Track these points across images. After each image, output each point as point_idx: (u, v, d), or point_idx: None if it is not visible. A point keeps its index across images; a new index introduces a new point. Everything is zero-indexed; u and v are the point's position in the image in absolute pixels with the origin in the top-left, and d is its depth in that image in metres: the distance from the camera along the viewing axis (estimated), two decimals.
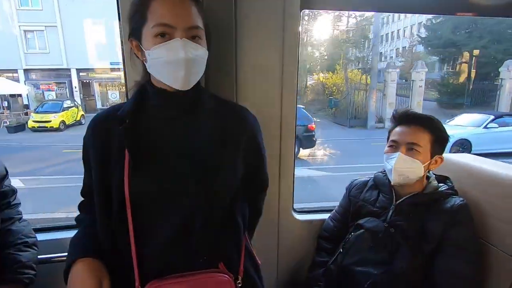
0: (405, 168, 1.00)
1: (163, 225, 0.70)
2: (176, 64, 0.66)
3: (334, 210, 1.26)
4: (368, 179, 1.20)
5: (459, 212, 0.98)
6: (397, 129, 1.06)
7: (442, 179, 1.11)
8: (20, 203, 0.97)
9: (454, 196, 1.04)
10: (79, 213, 0.82)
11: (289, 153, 1.20)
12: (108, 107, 0.79)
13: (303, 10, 1.13)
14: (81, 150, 0.76)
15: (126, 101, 0.78)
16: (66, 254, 1.04)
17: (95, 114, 0.77)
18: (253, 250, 0.89)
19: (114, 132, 0.70)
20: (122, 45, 0.99)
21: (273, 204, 1.21)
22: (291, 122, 1.17)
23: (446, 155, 1.11)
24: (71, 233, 1.11)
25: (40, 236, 1.02)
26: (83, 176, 0.79)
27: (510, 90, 11.03)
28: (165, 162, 0.70)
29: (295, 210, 1.30)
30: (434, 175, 1.11)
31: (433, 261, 0.98)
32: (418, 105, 10.96)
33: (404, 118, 1.05)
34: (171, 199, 0.70)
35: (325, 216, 1.30)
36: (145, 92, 0.75)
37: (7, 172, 0.93)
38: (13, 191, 0.95)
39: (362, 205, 1.14)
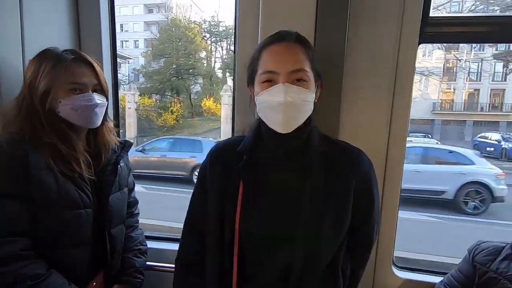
0: None
1: (263, 269, 0.69)
2: (276, 108, 0.68)
3: (449, 274, 1.03)
4: (503, 245, 0.94)
5: None
6: None
7: None
8: (139, 213, 1.12)
9: None
10: (184, 240, 0.86)
11: (394, 198, 1.06)
12: (227, 139, 0.84)
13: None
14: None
15: (245, 136, 0.80)
16: (166, 264, 1.15)
17: (215, 145, 0.82)
18: None
19: (232, 166, 0.74)
20: (233, 89, 1.10)
21: None
22: (398, 164, 1.05)
23: None
24: (171, 245, 1.22)
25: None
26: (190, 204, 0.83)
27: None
28: (274, 203, 0.70)
29: (395, 265, 1.12)
30: None
31: None
32: (129, 125, 10.83)
33: None
34: (272, 244, 0.69)
35: (435, 279, 1.08)
36: (261, 131, 0.77)
37: (134, 184, 1.09)
38: (136, 202, 1.11)
39: (494, 278, 0.89)
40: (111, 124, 0.97)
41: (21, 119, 0.81)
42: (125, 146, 0.98)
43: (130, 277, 0.96)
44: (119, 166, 0.94)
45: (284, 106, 0.66)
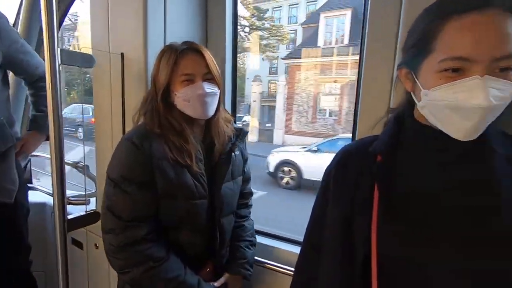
0: None
1: None
2: (467, 112, 0.45)
3: None
4: None
5: None
6: None
7: None
8: (252, 205, 1.10)
9: None
10: (302, 259, 0.69)
11: None
12: (357, 140, 0.67)
13: None
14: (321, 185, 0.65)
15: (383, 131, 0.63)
16: (270, 262, 1.08)
17: (344, 146, 0.66)
18: None
19: (365, 171, 0.57)
20: (358, 78, 0.90)
21: None
22: None
23: None
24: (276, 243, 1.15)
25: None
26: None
27: None
28: (428, 221, 0.51)
29: None
30: None
31: None
32: None
33: None
34: (428, 280, 0.49)
35: None
36: (404, 125, 0.58)
37: (250, 175, 1.07)
38: (251, 193, 1.09)
39: None
40: (226, 113, 0.96)
41: (147, 113, 0.87)
42: (240, 134, 0.95)
43: (242, 268, 0.95)
44: (233, 154, 0.92)
45: (482, 111, 0.44)
